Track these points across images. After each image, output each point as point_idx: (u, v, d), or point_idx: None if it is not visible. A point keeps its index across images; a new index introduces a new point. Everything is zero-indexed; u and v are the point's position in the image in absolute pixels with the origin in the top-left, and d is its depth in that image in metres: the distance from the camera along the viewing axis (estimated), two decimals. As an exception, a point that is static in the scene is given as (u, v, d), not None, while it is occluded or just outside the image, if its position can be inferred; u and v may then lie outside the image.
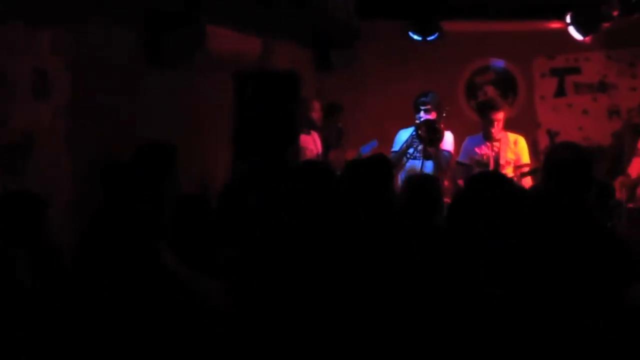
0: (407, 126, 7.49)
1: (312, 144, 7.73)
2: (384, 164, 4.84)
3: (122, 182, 4.44)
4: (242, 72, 6.98)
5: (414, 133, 7.18)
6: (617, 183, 7.74)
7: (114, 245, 3.65)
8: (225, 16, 6.05)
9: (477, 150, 7.23)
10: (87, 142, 4.99)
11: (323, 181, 4.19)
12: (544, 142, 9.63)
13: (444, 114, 7.18)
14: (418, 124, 7.11)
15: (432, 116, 7.14)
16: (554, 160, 4.04)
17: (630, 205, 7.66)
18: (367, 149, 7.90)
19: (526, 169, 7.14)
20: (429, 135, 7.02)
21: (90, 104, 5.04)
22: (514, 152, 7.17)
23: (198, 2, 5.70)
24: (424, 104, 7.18)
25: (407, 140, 7.26)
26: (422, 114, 7.18)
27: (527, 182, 7.01)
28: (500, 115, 7.10)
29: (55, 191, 4.50)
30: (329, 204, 4.06)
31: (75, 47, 4.89)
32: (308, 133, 7.74)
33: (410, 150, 7.24)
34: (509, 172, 7.04)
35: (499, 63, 9.95)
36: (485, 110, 7.19)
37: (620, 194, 7.63)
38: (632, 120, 8.89)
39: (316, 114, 7.82)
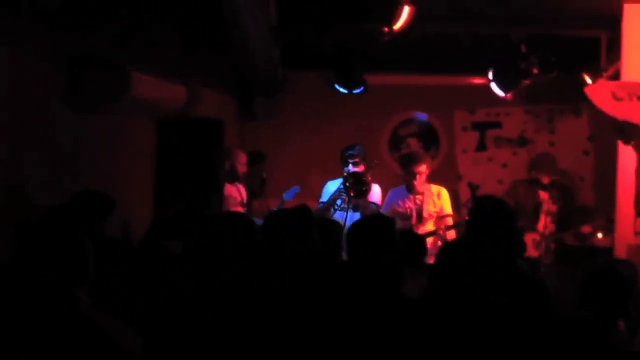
0: (332, 177, 7.53)
1: (236, 192, 7.68)
2: (305, 215, 4.84)
3: (43, 226, 4.32)
4: (167, 119, 6.91)
5: (341, 185, 7.19)
6: (531, 239, 7.89)
7: (29, 295, 3.53)
8: (150, 63, 6.00)
9: (400, 202, 7.29)
10: (3, 183, 4.84)
11: (243, 231, 4.17)
12: (465, 195, 9.75)
13: (373, 165, 7.25)
14: (346, 176, 7.14)
15: (360, 169, 7.18)
16: (479, 214, 4.09)
17: (546, 261, 7.82)
18: (291, 195, 7.89)
19: (450, 221, 7.21)
20: (357, 187, 7.05)
21: (9, 147, 4.90)
22: (437, 204, 7.25)
23: (123, 48, 5.64)
24: (352, 157, 7.23)
25: (334, 192, 7.28)
26: (350, 167, 7.21)
27: (451, 235, 7.08)
28: (423, 168, 7.18)
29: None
30: (249, 253, 4.04)
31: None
32: (233, 182, 7.68)
33: (339, 202, 7.26)
34: (430, 225, 7.11)
35: (422, 116, 10.08)
36: (408, 164, 7.28)
37: (536, 250, 7.78)
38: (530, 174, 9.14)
39: (241, 167, 7.75)
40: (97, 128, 5.93)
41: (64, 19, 5.13)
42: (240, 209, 7.34)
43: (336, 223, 5.27)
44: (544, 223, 7.98)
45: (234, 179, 7.68)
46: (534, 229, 7.98)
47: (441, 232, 6.98)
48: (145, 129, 6.80)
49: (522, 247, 5.46)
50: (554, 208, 8.00)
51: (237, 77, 8.14)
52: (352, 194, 7.06)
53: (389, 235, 3.89)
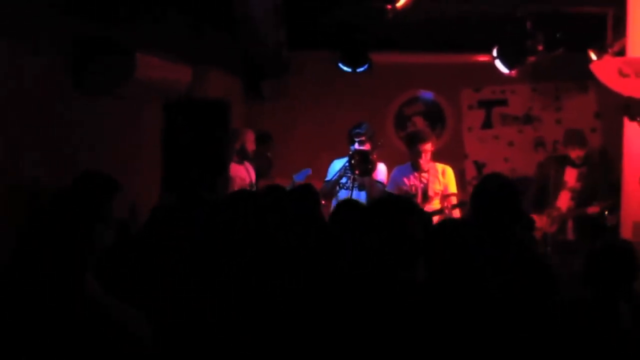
0: (338, 156, 7.54)
1: (244, 172, 7.70)
2: (310, 194, 4.88)
3: (50, 211, 4.35)
4: (172, 100, 6.92)
5: (347, 163, 7.21)
6: (546, 215, 7.90)
7: (37, 276, 3.56)
8: (155, 44, 6.00)
9: (405, 180, 7.29)
10: (12, 171, 4.86)
11: (252, 210, 4.19)
12: (471, 173, 9.78)
13: (379, 144, 7.27)
14: (351, 153, 7.16)
15: (366, 147, 7.20)
16: (483, 193, 4.09)
17: (561, 237, 7.83)
18: (301, 177, 7.90)
19: (454, 199, 7.22)
20: (362, 165, 7.07)
21: (14, 131, 4.92)
22: (442, 182, 7.26)
23: (128, 30, 5.65)
24: (358, 135, 7.25)
25: (340, 170, 7.30)
26: (356, 145, 7.23)
27: (456, 213, 7.09)
28: (428, 147, 7.18)
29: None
30: (257, 233, 4.07)
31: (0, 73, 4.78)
32: (241, 162, 7.70)
33: (344, 180, 7.28)
34: (436, 203, 7.13)
35: (428, 95, 10.08)
36: (413, 142, 7.27)
37: (550, 227, 7.78)
38: (557, 152, 9.07)
39: (250, 145, 7.77)
40: (103, 110, 5.94)
41: (69, 2, 5.15)
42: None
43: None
44: (565, 199, 7.99)
45: (243, 157, 7.70)
46: (553, 205, 7.99)
47: (447, 211, 6.99)
48: (151, 111, 6.82)
49: (528, 224, 5.47)
50: (577, 185, 7.99)
51: (243, 57, 8.14)
52: (357, 172, 7.09)
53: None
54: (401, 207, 3.97)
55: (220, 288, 3.85)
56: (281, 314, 3.74)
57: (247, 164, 7.81)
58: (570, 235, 7.91)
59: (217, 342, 3.64)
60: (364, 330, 3.34)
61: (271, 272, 3.92)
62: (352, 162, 7.10)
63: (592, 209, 7.82)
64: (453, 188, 7.33)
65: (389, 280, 3.57)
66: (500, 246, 3.65)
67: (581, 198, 7.95)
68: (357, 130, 7.27)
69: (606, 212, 7.93)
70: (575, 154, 8.08)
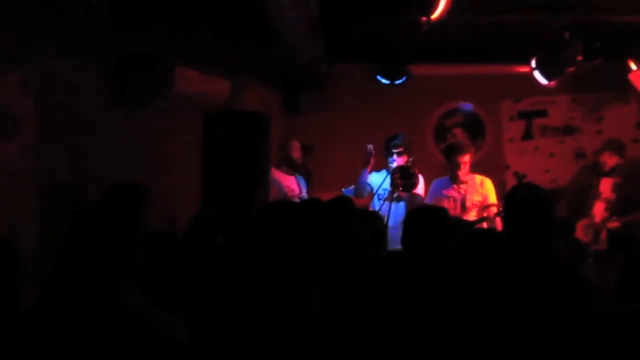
0: (377, 169, 7.58)
1: (294, 184, 7.76)
2: (344, 205, 4.92)
3: (89, 222, 4.43)
4: (211, 113, 7.00)
5: (389, 176, 7.24)
6: (581, 225, 7.84)
7: (77, 287, 3.63)
8: (193, 58, 6.10)
9: (444, 192, 7.31)
10: (55, 183, 4.97)
11: (289, 221, 4.24)
12: (512, 184, 9.72)
13: (419, 156, 7.29)
14: (393, 169, 7.18)
15: (403, 159, 7.23)
16: (513, 201, 4.09)
17: (594, 247, 7.76)
18: (351, 191, 7.92)
19: (494, 209, 7.21)
20: (405, 181, 7.10)
21: (58, 144, 5.03)
22: (480, 193, 7.26)
23: (167, 45, 5.75)
24: (396, 146, 7.28)
25: (381, 184, 7.33)
26: (394, 157, 7.27)
27: (499, 223, 7.07)
28: (466, 158, 7.19)
29: (21, 233, 4.48)
30: (293, 243, 4.11)
31: (43, 87, 4.89)
32: (292, 174, 7.76)
33: (382, 192, 7.31)
34: (473, 214, 7.13)
35: (467, 106, 10.07)
36: (451, 154, 7.29)
37: (585, 236, 7.73)
38: (593, 160, 9.01)
39: (296, 154, 7.84)
40: (144, 123, 6.05)
41: (110, 19, 5.26)
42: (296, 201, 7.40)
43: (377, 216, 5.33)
44: (599, 209, 7.93)
45: (290, 167, 7.76)
46: (588, 215, 7.93)
47: (487, 222, 6.99)
48: (191, 123, 6.91)
49: (567, 233, 5.44)
50: (612, 195, 7.93)
51: (281, 70, 8.21)
52: (400, 188, 7.11)
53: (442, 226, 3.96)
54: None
55: (255, 298, 3.90)
56: (315, 324, 3.78)
57: (299, 176, 7.87)
58: (604, 245, 7.84)
59: (254, 351, 3.69)
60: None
61: (303, 283, 3.96)
62: (395, 178, 7.12)
63: (624, 220, 7.74)
64: (493, 198, 7.33)
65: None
66: (528, 256, 3.64)
67: (615, 209, 7.87)
68: (395, 142, 7.31)
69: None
70: (610, 160, 8.00)
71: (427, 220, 4.20)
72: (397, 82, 8.55)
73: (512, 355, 3.15)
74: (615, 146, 8.15)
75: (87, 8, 4.83)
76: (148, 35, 5.65)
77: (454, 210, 7.20)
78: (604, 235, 7.87)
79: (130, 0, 5.31)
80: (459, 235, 4.51)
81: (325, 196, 8.08)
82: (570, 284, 3.69)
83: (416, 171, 7.18)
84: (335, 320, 3.83)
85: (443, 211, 4.41)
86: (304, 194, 7.75)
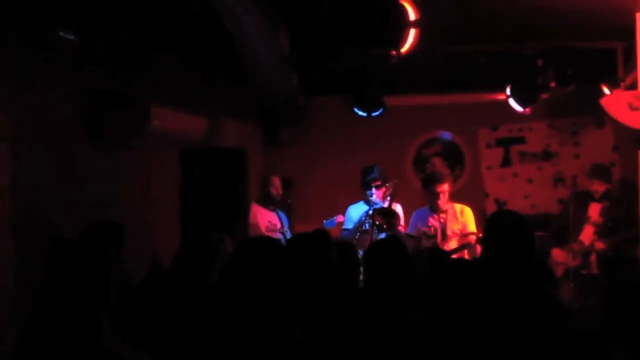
0: (355, 200, 7.61)
1: (275, 219, 7.77)
2: (323, 238, 4.94)
3: (66, 260, 4.43)
4: (189, 150, 7.03)
5: (366, 213, 7.30)
6: (568, 250, 7.88)
7: (56, 327, 3.62)
8: (169, 96, 6.13)
9: (424, 222, 7.34)
10: (31, 223, 4.96)
11: (268, 256, 4.24)
12: (492, 211, 9.76)
13: (395, 185, 7.34)
14: (372, 213, 7.22)
15: (381, 191, 7.29)
16: (494, 227, 4.11)
17: (584, 272, 7.79)
18: (332, 223, 7.94)
19: (473, 238, 7.24)
20: (387, 221, 7.15)
21: (34, 184, 5.03)
22: (460, 222, 7.29)
23: (141, 83, 5.77)
24: (374, 180, 7.33)
25: (359, 220, 7.37)
26: (373, 190, 7.32)
27: (478, 251, 7.09)
28: (444, 187, 7.23)
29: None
30: (273, 278, 4.11)
31: (18, 127, 4.90)
32: (271, 209, 7.78)
33: (366, 227, 7.35)
34: (453, 243, 7.16)
35: (446, 135, 10.13)
36: (430, 184, 7.33)
37: (572, 261, 7.76)
38: (576, 187, 9.05)
39: (275, 190, 7.86)
40: (120, 163, 6.05)
41: (83, 58, 5.28)
42: (278, 236, 7.41)
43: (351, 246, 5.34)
44: (588, 234, 7.97)
45: (269, 202, 7.78)
46: (576, 239, 7.97)
47: (468, 247, 7.03)
48: (168, 161, 6.93)
49: (540, 265, 5.46)
50: (600, 220, 7.97)
51: (259, 106, 8.26)
52: (384, 228, 7.15)
53: (401, 254, 3.98)
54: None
55: (232, 334, 3.89)
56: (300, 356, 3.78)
57: (280, 212, 7.89)
58: (594, 269, 7.87)
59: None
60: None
61: (282, 316, 3.96)
62: (375, 220, 7.15)
63: (611, 242, 7.78)
64: (472, 227, 7.35)
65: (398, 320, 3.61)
66: (506, 284, 3.65)
67: (604, 232, 7.91)
68: (372, 176, 7.35)
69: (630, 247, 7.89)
70: (597, 187, 8.05)
71: (384, 253, 4.22)
72: (373, 114, 8.63)
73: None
74: (602, 172, 8.20)
75: (59, 44, 4.85)
76: (122, 73, 5.68)
77: (434, 240, 7.24)
78: (593, 258, 7.90)
79: (103, 38, 5.34)
80: (435, 265, 4.55)
81: (306, 227, 8.14)
82: (549, 309, 3.70)
83: (394, 209, 7.26)
84: (320, 352, 3.82)
85: (397, 242, 4.43)
86: (286, 229, 7.77)
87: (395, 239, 4.64)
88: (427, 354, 3.39)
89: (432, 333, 3.44)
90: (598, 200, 8.03)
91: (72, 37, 4.78)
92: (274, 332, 3.79)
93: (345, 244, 5.27)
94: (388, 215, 7.18)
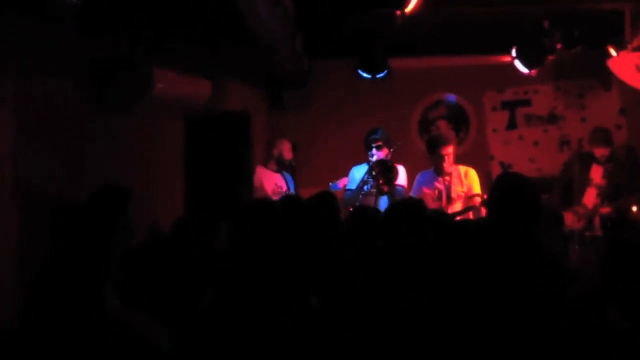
0: (360, 162, 7.59)
1: (281, 181, 7.83)
2: (329, 200, 4.93)
3: (71, 226, 4.42)
4: (193, 114, 6.99)
5: (366, 173, 7.28)
6: (572, 212, 7.87)
7: (60, 291, 3.63)
8: (172, 59, 6.08)
9: (429, 185, 7.32)
10: (34, 190, 4.95)
11: (268, 220, 4.24)
12: (497, 174, 9.71)
13: (398, 146, 7.32)
14: (372, 164, 7.22)
15: (383, 152, 7.27)
16: (500, 189, 4.09)
17: (588, 233, 7.78)
18: (338, 186, 7.94)
19: (478, 199, 7.22)
20: (384, 175, 7.13)
21: (36, 150, 5.00)
22: (465, 184, 7.28)
23: (144, 47, 5.72)
24: (375, 141, 7.31)
25: (362, 179, 7.36)
26: (374, 151, 7.31)
27: (484, 212, 7.08)
28: (449, 150, 7.21)
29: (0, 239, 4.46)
30: (274, 240, 4.11)
31: (19, 94, 4.86)
32: (278, 171, 7.83)
33: (366, 187, 7.33)
34: (458, 205, 7.14)
35: (451, 97, 10.06)
36: (434, 146, 7.31)
37: (577, 223, 7.75)
38: (581, 149, 9.02)
39: (287, 154, 7.92)
40: (124, 127, 6.02)
41: (85, 22, 5.23)
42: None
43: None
44: (591, 196, 7.95)
45: (280, 166, 7.82)
46: (579, 202, 7.96)
47: (473, 209, 7.02)
48: (172, 125, 6.89)
49: (557, 219, 5.44)
50: (603, 182, 7.95)
51: (263, 68, 8.21)
52: (381, 182, 7.14)
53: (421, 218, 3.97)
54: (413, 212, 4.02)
55: (238, 299, 3.89)
56: (316, 325, 3.77)
57: (286, 174, 7.92)
58: (597, 231, 7.86)
59: (234, 353, 3.68)
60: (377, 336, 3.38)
61: (288, 281, 3.95)
62: (374, 172, 7.16)
63: (615, 205, 7.77)
64: (477, 189, 7.34)
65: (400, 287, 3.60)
66: (512, 246, 3.64)
67: (607, 195, 7.89)
68: (374, 137, 7.35)
69: (634, 207, 7.87)
70: (600, 152, 8.01)
71: (406, 213, 4.20)
72: (378, 76, 8.57)
73: (495, 343, 3.16)
74: (604, 136, 8.15)
75: (60, 10, 4.80)
76: (124, 37, 5.62)
77: (439, 202, 7.23)
78: (597, 221, 7.89)
79: (105, 1, 5.29)
80: (440, 228, 4.54)
81: (311, 192, 8.14)
82: (553, 273, 3.70)
83: (395, 164, 7.22)
84: (336, 319, 3.80)
85: (421, 204, 4.41)
86: (292, 191, 7.79)
87: (415, 201, 4.60)
88: (434, 317, 3.40)
89: (437, 297, 3.43)
90: (601, 163, 7.99)
91: (74, 1, 4.71)
92: (287, 300, 3.79)
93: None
94: (386, 168, 7.15)
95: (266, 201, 5.11)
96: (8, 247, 4.67)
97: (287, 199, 5.50)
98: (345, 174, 7.87)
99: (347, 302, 3.84)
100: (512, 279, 3.36)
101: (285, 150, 7.92)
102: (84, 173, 5.46)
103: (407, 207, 4.28)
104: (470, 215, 7.05)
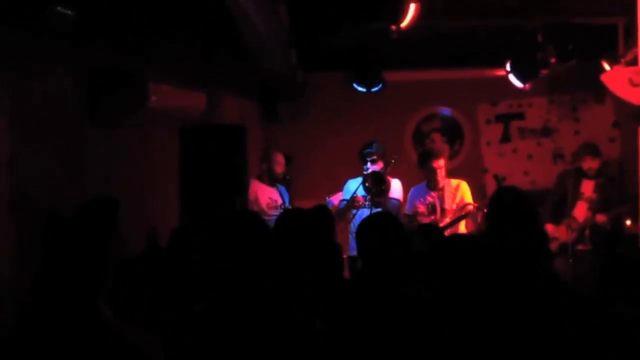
0: (355, 175, 7.61)
1: (276, 195, 7.82)
2: (324, 214, 4.92)
3: (63, 237, 4.42)
4: (188, 126, 7.00)
5: (361, 184, 7.31)
6: (564, 226, 7.90)
7: (53, 302, 3.61)
8: (167, 72, 6.09)
9: (421, 199, 7.35)
10: (29, 201, 4.95)
11: (254, 230, 4.22)
12: (491, 187, 9.75)
13: (393, 162, 7.33)
14: (365, 176, 7.25)
15: (378, 166, 7.29)
16: (499, 204, 4.11)
17: (580, 247, 7.81)
18: (332, 202, 7.93)
19: (471, 207, 7.26)
20: (376, 187, 7.16)
21: (32, 161, 5.01)
22: (457, 196, 7.32)
23: (140, 60, 5.73)
24: (370, 154, 7.34)
25: (355, 191, 7.38)
26: (368, 164, 7.33)
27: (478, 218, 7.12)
28: (440, 163, 7.25)
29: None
30: (263, 253, 4.09)
31: (16, 105, 4.87)
32: (272, 185, 7.84)
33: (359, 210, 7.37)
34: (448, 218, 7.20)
35: (446, 110, 10.10)
36: (426, 160, 7.35)
37: (568, 237, 7.78)
38: (574, 164, 9.06)
39: (278, 167, 7.92)
40: (119, 140, 6.03)
41: (81, 34, 5.24)
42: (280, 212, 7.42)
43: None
44: (582, 210, 7.98)
45: (272, 180, 7.83)
46: (571, 215, 7.98)
47: (469, 216, 7.08)
48: (167, 138, 6.90)
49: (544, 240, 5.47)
50: (594, 196, 7.99)
51: (258, 81, 8.23)
52: (371, 194, 7.17)
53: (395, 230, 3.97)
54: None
55: (233, 310, 3.87)
56: (292, 338, 3.76)
57: (280, 187, 7.93)
58: (588, 244, 7.90)
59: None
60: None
61: (280, 295, 3.94)
62: (367, 184, 7.20)
63: (603, 217, 7.81)
64: (469, 199, 7.38)
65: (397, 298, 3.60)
66: (510, 260, 3.65)
67: (597, 208, 7.93)
68: (368, 150, 7.38)
69: (627, 221, 7.92)
70: (587, 165, 8.06)
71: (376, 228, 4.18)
72: (373, 89, 8.61)
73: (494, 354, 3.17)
74: (593, 150, 8.20)
75: (56, 21, 4.81)
76: (119, 50, 5.64)
77: (432, 216, 7.26)
78: (587, 234, 7.92)
79: (101, 13, 5.30)
80: (429, 241, 4.54)
81: (306, 205, 8.15)
82: (551, 286, 3.71)
83: (389, 177, 7.25)
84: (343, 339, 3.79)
85: (390, 217, 4.40)
86: (287, 205, 7.79)
87: (386, 214, 4.62)
88: (427, 332, 3.39)
89: (434, 311, 3.43)
90: (592, 177, 8.04)
91: (69, 13, 4.72)
92: (290, 319, 3.78)
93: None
94: (379, 181, 7.19)
95: (247, 211, 5.11)
96: (6, 255, 4.67)
97: (284, 213, 5.50)
98: (341, 185, 7.88)
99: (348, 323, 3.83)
100: (510, 292, 3.36)
101: (275, 163, 7.93)
102: (80, 183, 5.47)
103: (377, 221, 4.27)
104: (464, 223, 7.12)
